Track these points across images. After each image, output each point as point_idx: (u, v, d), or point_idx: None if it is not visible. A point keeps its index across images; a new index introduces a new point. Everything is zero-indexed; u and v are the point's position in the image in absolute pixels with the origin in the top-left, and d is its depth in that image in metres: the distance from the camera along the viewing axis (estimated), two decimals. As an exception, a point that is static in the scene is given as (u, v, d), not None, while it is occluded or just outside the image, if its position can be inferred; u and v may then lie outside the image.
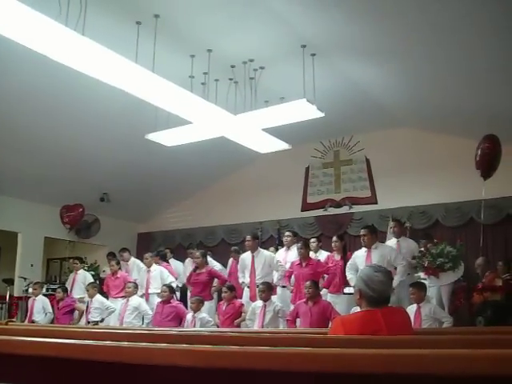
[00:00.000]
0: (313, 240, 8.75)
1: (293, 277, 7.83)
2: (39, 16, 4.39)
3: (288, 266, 8.02)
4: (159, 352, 1.62)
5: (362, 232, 7.21)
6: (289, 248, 8.52)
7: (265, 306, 7.06)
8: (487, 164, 7.25)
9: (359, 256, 7.18)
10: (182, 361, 1.54)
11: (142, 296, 8.72)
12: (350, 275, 7.19)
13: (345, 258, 7.95)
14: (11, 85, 7.18)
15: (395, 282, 6.70)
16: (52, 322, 8.90)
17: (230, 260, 9.60)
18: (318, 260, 7.97)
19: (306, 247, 7.78)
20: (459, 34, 5.73)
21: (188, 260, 9.85)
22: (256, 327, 6.90)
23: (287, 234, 8.75)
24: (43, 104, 7.75)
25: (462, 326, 6.45)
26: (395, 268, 7.02)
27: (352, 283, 6.99)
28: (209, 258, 9.19)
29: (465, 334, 3.28)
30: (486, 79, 6.78)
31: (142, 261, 9.70)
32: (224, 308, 7.57)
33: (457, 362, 1.30)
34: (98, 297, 8.54)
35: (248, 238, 8.17)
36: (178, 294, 8.98)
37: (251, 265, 7.97)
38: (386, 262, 6.81)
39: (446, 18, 5.45)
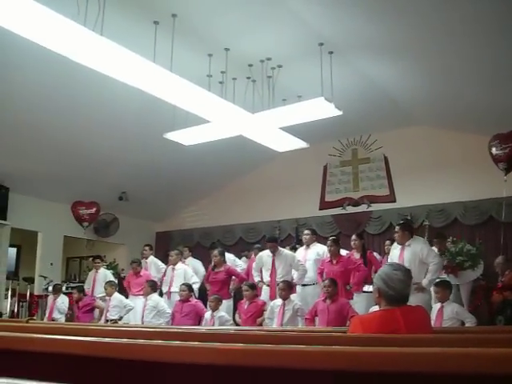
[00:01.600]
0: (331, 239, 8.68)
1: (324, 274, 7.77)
2: (57, 16, 4.42)
3: (307, 264, 8.00)
4: (175, 350, 1.62)
5: (396, 229, 6.94)
6: (308, 246, 8.47)
7: (284, 304, 7.03)
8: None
9: (394, 252, 6.93)
10: (198, 359, 1.55)
11: (166, 293, 8.80)
12: None
13: (364, 257, 7.92)
14: (32, 85, 7.22)
15: (426, 281, 6.57)
16: (71, 320, 8.97)
17: (252, 257, 9.55)
18: (349, 257, 7.89)
19: (335, 244, 7.69)
20: (473, 32, 5.70)
21: None
22: (275, 326, 6.88)
23: (306, 232, 8.68)
24: (62, 104, 7.81)
25: (481, 325, 6.38)
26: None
27: None
28: (231, 257, 9.20)
29: (485, 333, 3.25)
30: (501, 76, 6.72)
31: (163, 259, 9.86)
32: (246, 307, 7.47)
33: (477, 361, 1.29)
34: (117, 295, 8.59)
35: (270, 244, 8.01)
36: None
37: (272, 264, 7.92)
38: (418, 259, 6.57)
39: (461, 16, 5.42)
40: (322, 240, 8.84)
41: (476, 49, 6.11)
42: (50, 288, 9.46)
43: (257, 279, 8.15)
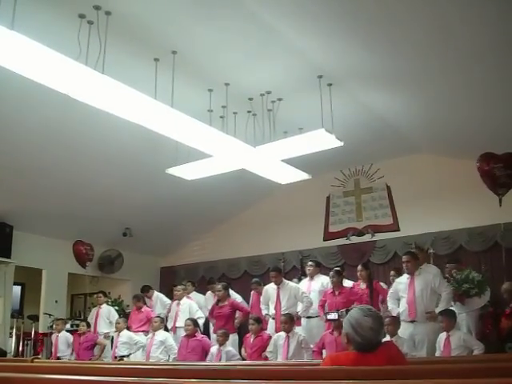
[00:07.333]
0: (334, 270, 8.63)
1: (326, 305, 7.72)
2: (60, 56, 4.48)
3: (312, 296, 7.96)
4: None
5: (405, 258, 6.90)
6: (312, 278, 8.45)
7: (288, 337, 6.97)
8: (486, 183, 7.31)
9: (402, 283, 6.92)
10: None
11: (171, 329, 8.74)
12: (391, 305, 7.03)
13: (370, 287, 7.86)
14: (35, 126, 7.28)
15: (439, 310, 6.54)
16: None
17: (252, 292, 9.50)
18: (351, 288, 7.83)
19: (338, 275, 7.61)
20: (478, 58, 5.72)
21: (209, 293, 9.82)
22: (280, 359, 6.80)
23: (310, 263, 8.66)
24: (65, 144, 7.87)
25: (490, 352, 6.31)
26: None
27: (394, 313, 6.82)
28: (230, 291, 9.16)
29: (494, 362, 3.21)
30: (504, 103, 6.75)
31: (167, 294, 9.86)
32: (252, 340, 7.41)
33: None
34: (126, 331, 8.53)
35: (272, 273, 8.09)
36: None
37: (276, 297, 7.90)
38: (430, 288, 6.64)
39: (463, 44, 5.46)
40: (327, 271, 8.77)
41: (480, 74, 6.13)
42: (54, 326, 9.39)
43: (264, 312, 8.12)
